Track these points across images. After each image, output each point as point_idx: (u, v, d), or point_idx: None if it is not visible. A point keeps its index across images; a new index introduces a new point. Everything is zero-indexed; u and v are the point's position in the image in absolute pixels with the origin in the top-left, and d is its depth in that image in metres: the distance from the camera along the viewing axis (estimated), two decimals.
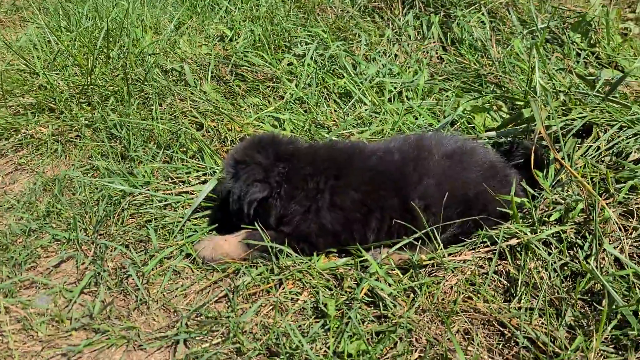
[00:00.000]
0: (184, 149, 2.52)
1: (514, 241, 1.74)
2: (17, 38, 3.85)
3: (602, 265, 1.62)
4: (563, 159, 1.97)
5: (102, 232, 2.05)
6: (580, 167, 1.95)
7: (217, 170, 2.31)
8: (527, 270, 1.67)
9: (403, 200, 1.81)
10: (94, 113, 2.84)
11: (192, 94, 3.03)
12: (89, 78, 3.00)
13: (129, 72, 3.07)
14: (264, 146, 1.94)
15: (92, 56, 3.18)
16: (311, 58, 3.24)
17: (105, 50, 3.33)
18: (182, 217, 2.08)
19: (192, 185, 2.27)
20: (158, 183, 2.27)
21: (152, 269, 1.87)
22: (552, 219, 1.77)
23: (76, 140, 2.71)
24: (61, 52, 3.38)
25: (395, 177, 1.85)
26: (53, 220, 2.13)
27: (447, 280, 1.71)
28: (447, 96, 2.83)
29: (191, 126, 2.69)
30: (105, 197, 2.16)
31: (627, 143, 2.07)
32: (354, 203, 1.84)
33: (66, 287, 1.83)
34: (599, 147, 2.10)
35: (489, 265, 1.72)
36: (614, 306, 1.48)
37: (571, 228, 1.74)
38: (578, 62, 3.11)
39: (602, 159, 2.09)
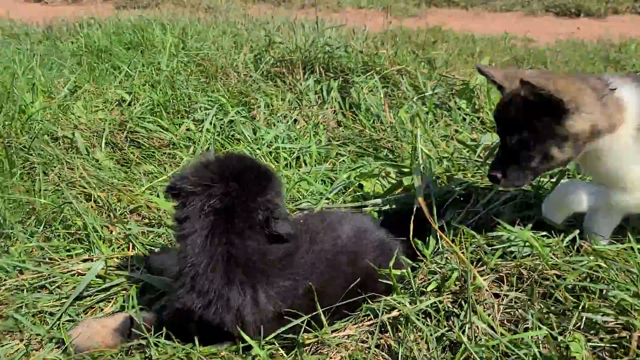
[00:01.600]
0: (68, 223, 2.39)
1: (395, 313, 1.76)
2: None
3: (476, 335, 1.67)
4: (442, 227, 2.05)
5: None
6: (458, 235, 2.03)
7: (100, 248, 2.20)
8: (407, 343, 1.69)
9: None
10: None
11: (85, 161, 2.92)
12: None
13: (12, 140, 2.91)
14: None
15: None
16: (210, 123, 3.25)
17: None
18: (58, 300, 1.95)
19: (73, 265, 2.13)
20: (35, 263, 2.11)
21: None
22: (429, 288, 1.82)
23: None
24: None
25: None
26: None
27: (331, 358, 1.70)
28: (342, 161, 2.90)
29: (79, 197, 2.57)
30: None
31: (503, 208, 2.20)
32: None
33: None
34: (477, 213, 2.21)
35: (372, 339, 1.73)
36: None
37: (447, 298, 1.79)
38: (464, 127, 3.33)
39: (482, 223, 2.20)
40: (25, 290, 1.99)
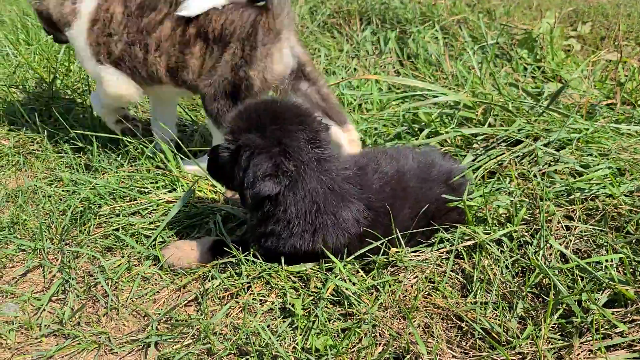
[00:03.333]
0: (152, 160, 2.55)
1: (469, 242, 1.86)
2: None
3: (549, 261, 1.76)
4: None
5: (68, 242, 2.06)
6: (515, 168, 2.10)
7: (182, 180, 2.35)
8: (482, 268, 1.79)
9: None
10: (56, 125, 2.83)
11: None
12: (50, 91, 2.99)
13: (90, 86, 3.08)
14: None
15: (55, 69, 3.18)
16: None
17: (66, 63, 3.33)
18: (151, 224, 2.12)
19: (158, 195, 2.29)
20: (124, 192, 2.28)
21: (121, 276, 1.89)
22: (500, 216, 1.91)
23: (38, 152, 2.70)
24: (21, 65, 3.36)
25: None
26: (18, 230, 2.12)
27: (407, 279, 1.81)
28: (404, 108, 2.96)
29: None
30: (71, 207, 2.16)
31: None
32: None
33: (34, 295, 1.83)
34: (534, 154, 2.26)
35: (447, 264, 1.83)
36: (559, 297, 1.61)
37: (520, 227, 1.87)
38: (525, 76, 3.32)
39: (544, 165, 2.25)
40: (120, 215, 2.16)
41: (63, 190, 2.37)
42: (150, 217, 2.16)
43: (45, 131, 2.77)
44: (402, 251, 1.86)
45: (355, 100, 3.11)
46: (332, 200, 1.77)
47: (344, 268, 1.79)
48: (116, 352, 1.64)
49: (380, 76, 3.00)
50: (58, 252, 1.99)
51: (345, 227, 1.79)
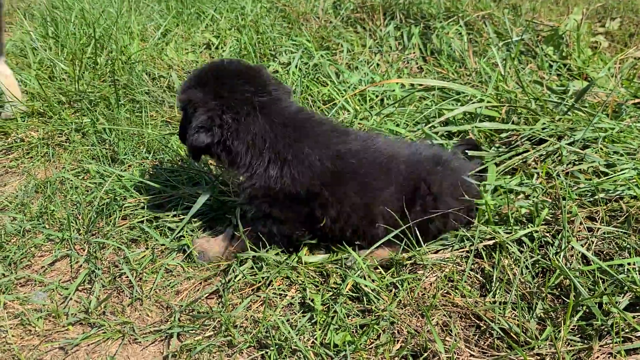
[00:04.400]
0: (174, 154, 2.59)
1: (490, 242, 1.86)
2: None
3: (570, 262, 1.75)
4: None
5: (95, 232, 2.11)
6: (543, 170, 2.08)
7: (205, 174, 2.39)
8: (501, 267, 1.78)
9: None
10: (83, 118, 2.89)
11: None
12: (77, 84, 3.05)
13: (117, 78, 3.13)
14: None
15: (81, 63, 3.24)
16: (296, 66, 3.35)
17: (93, 57, 3.39)
18: (175, 216, 2.16)
19: (181, 189, 2.33)
20: (148, 185, 2.33)
21: (145, 267, 1.93)
22: (522, 216, 1.90)
23: (66, 144, 2.76)
24: (49, 59, 3.43)
25: None
26: (46, 220, 2.18)
27: (426, 277, 1.82)
28: (426, 104, 2.95)
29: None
30: (98, 198, 2.21)
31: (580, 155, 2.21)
32: None
33: (62, 285, 1.89)
34: (558, 153, 2.24)
35: (466, 263, 1.84)
36: (580, 299, 1.61)
37: (542, 227, 1.86)
38: (551, 73, 3.28)
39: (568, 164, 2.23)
40: (145, 207, 2.21)
41: (90, 182, 2.42)
42: (174, 210, 2.20)
43: (73, 124, 2.83)
44: (422, 249, 1.87)
45: (377, 96, 3.10)
46: (288, 135, 1.84)
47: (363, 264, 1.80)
48: (140, 342, 1.68)
49: (402, 79, 2.98)
50: (85, 243, 2.05)
51: (309, 163, 1.82)
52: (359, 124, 2.75)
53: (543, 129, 2.37)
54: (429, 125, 2.46)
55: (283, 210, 1.87)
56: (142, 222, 2.14)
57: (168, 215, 2.16)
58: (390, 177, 1.88)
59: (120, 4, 4.40)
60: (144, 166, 2.49)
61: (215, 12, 4.11)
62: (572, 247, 1.76)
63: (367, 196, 1.85)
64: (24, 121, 2.91)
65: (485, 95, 2.53)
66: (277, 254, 1.93)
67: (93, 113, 2.89)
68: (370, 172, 1.86)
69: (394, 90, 3.13)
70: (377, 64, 3.53)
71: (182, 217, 2.14)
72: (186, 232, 2.09)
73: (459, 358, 1.57)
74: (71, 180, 2.41)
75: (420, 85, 3.24)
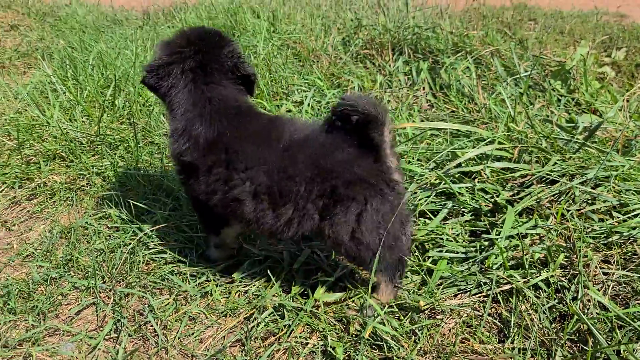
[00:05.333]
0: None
1: (506, 286, 1.89)
2: (24, 85, 4.00)
3: (587, 307, 1.78)
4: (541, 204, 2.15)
5: (119, 279, 2.17)
6: (558, 213, 2.12)
7: None
8: (519, 313, 1.82)
9: None
10: (104, 161, 2.97)
11: None
12: (97, 127, 3.15)
13: (135, 121, 3.22)
14: None
15: (102, 106, 3.34)
16: (308, 105, 3.42)
17: (111, 98, 3.49)
18: (196, 261, 2.21)
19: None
20: (169, 230, 2.39)
21: (169, 315, 1.98)
22: (536, 261, 1.93)
23: (87, 188, 2.84)
24: (69, 101, 3.53)
25: None
26: (71, 268, 2.24)
27: (445, 323, 1.86)
28: (438, 142, 3.00)
29: None
30: (121, 245, 2.27)
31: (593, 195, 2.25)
32: None
33: (89, 334, 1.94)
34: (570, 192, 2.28)
35: (484, 308, 1.87)
36: (598, 347, 1.63)
37: (557, 272, 1.90)
38: (559, 107, 3.33)
39: (581, 204, 2.26)
40: (167, 252, 2.27)
41: (111, 227, 2.49)
42: (195, 255, 2.26)
43: (94, 167, 2.91)
44: (437, 294, 1.90)
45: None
46: (200, 109, 1.96)
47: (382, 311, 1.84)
48: None
49: (416, 124, 3.04)
50: (110, 291, 2.10)
51: (195, 137, 1.92)
52: None
53: (554, 165, 2.42)
54: (444, 170, 2.50)
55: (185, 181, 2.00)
56: (164, 264, 2.19)
57: (190, 261, 2.22)
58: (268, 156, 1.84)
59: (135, 44, 4.54)
60: (164, 210, 2.56)
61: None
62: (589, 292, 1.80)
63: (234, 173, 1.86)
64: (46, 165, 2.99)
65: (496, 136, 2.59)
66: (294, 298, 1.97)
67: (113, 156, 2.97)
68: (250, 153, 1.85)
69: (404, 128, 3.20)
70: (388, 100, 3.61)
71: (201, 264, 2.19)
72: (207, 277, 2.14)
73: None
74: (94, 226, 2.48)
75: (432, 121, 3.31)
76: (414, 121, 3.28)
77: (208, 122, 1.92)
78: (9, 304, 2.04)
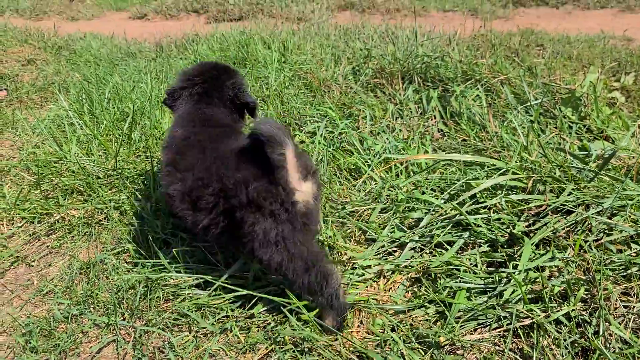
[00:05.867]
0: None
1: (527, 321, 1.89)
2: (41, 120, 4.08)
3: (609, 342, 1.77)
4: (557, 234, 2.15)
5: (139, 316, 2.18)
6: (576, 245, 2.12)
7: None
8: (541, 348, 1.81)
9: None
10: (121, 195, 3.02)
11: None
12: (114, 161, 3.20)
13: (152, 154, 3.27)
14: None
15: (119, 139, 3.40)
16: (321, 135, 3.46)
17: (128, 132, 3.55)
18: (215, 297, 2.23)
19: (216, 268, 2.41)
20: (188, 265, 2.41)
21: (190, 352, 1.99)
22: (556, 295, 1.93)
23: (105, 222, 2.87)
24: (86, 135, 3.60)
25: None
26: (91, 304, 2.26)
27: (465, 359, 1.85)
28: (452, 171, 3.02)
29: None
30: (140, 282, 2.30)
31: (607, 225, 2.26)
32: None
33: None
34: (587, 222, 2.28)
35: (504, 343, 1.86)
36: None
37: (578, 305, 1.89)
38: (570, 134, 3.35)
39: (597, 234, 2.26)
40: (186, 288, 2.28)
41: (130, 262, 2.51)
42: (215, 293, 2.27)
43: (111, 201, 2.95)
44: (457, 328, 1.90)
45: (402, 164, 3.19)
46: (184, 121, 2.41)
47: (403, 345, 1.84)
48: None
49: (429, 155, 3.08)
50: (130, 328, 2.12)
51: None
52: (387, 195, 2.82)
53: (569, 195, 2.43)
54: (458, 201, 2.51)
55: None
56: (183, 300, 2.20)
57: (209, 297, 2.23)
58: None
59: (149, 77, 4.63)
60: (182, 244, 2.58)
61: None
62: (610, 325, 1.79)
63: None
64: (65, 200, 3.04)
65: (510, 166, 2.60)
66: (311, 330, 1.98)
67: (130, 190, 3.01)
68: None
69: (418, 159, 3.22)
70: (400, 130, 3.64)
71: (222, 297, 2.20)
72: (226, 314, 2.15)
73: None
74: (112, 261, 2.50)
75: (444, 150, 3.33)
76: (426, 150, 3.31)
77: (185, 127, 2.33)
78: (31, 343, 2.06)
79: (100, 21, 8.39)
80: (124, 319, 2.17)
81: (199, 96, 2.47)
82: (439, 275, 2.29)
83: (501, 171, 2.61)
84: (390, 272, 2.38)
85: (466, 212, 2.47)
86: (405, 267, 2.37)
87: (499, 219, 2.47)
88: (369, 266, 2.40)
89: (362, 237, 2.59)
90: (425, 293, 2.25)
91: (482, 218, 2.45)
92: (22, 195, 3.06)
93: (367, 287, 2.31)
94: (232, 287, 2.17)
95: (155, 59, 5.50)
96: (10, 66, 5.59)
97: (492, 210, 2.49)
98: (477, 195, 2.64)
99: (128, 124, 3.53)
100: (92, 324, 2.17)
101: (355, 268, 2.38)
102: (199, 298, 2.23)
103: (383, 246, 2.51)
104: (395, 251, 2.51)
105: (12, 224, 2.94)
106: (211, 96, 2.48)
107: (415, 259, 2.41)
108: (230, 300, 2.21)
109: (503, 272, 2.13)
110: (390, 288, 2.34)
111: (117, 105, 3.92)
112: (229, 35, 5.74)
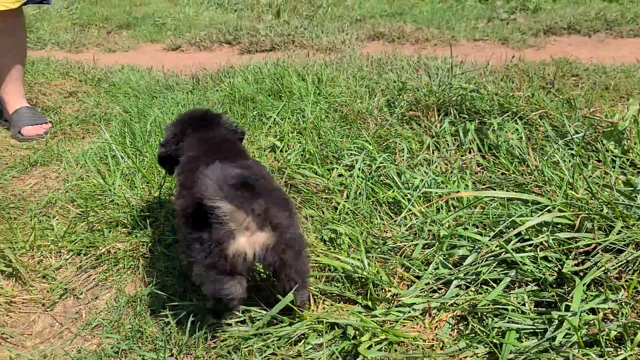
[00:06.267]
0: None
1: None
2: (84, 152, 4.20)
3: None
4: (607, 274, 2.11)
5: (187, 352, 2.20)
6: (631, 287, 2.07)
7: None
8: None
9: None
10: (165, 228, 3.07)
11: None
12: (158, 194, 3.27)
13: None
14: None
15: (160, 172, 3.47)
16: (359, 169, 3.48)
17: None
18: (261, 336, 2.24)
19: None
20: None
21: None
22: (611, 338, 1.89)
23: (150, 255, 2.92)
24: (128, 168, 3.69)
25: None
26: (139, 339, 2.29)
27: None
28: (494, 207, 3.00)
29: None
30: (189, 318, 2.32)
31: None
32: None
33: None
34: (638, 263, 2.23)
35: None
36: None
37: (635, 351, 1.85)
38: (614, 168, 3.30)
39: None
40: (231, 324, 2.30)
41: (176, 296, 2.55)
42: (260, 330, 2.28)
43: (155, 235, 3.01)
44: None
45: (440, 196, 3.18)
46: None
47: None
48: None
49: (472, 192, 3.07)
50: None
51: None
52: (428, 231, 2.82)
53: (619, 234, 2.38)
54: (504, 238, 2.49)
55: None
56: (229, 337, 2.22)
57: (257, 336, 2.24)
58: None
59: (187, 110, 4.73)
60: None
61: (277, 116, 4.36)
62: None
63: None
64: (110, 232, 3.11)
65: (556, 203, 2.58)
66: None
67: (174, 223, 3.06)
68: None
69: (458, 191, 3.21)
70: (437, 163, 3.64)
71: (268, 334, 2.21)
72: (272, 351, 2.16)
73: None
74: (158, 295, 2.54)
75: (484, 184, 3.32)
76: (466, 185, 3.30)
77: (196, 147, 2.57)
78: None
79: (136, 53, 8.65)
80: (171, 355, 2.19)
81: (202, 128, 2.69)
82: (485, 314, 2.26)
83: (547, 208, 2.58)
84: (436, 310, 2.36)
85: (512, 249, 2.45)
86: (451, 305, 2.35)
87: (545, 257, 2.44)
88: (414, 303, 2.39)
89: (405, 273, 2.57)
90: (472, 332, 2.22)
91: (528, 256, 2.43)
92: (69, 229, 3.14)
93: (413, 325, 2.29)
94: (278, 323, 2.18)
95: (192, 91, 5.64)
96: (53, 99, 5.79)
97: (538, 248, 2.46)
98: (522, 233, 2.61)
99: None
100: (141, 359, 2.20)
101: (401, 305, 2.37)
102: (246, 333, 2.24)
103: (427, 283, 2.50)
104: (440, 289, 2.50)
105: (60, 256, 3.01)
106: (212, 126, 2.73)
107: (460, 296, 2.39)
108: (277, 338, 2.22)
109: (555, 313, 2.09)
110: (436, 326, 2.31)
111: (160, 139, 4.01)
112: (263, 67, 5.86)
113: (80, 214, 3.30)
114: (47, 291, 2.75)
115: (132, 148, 4.01)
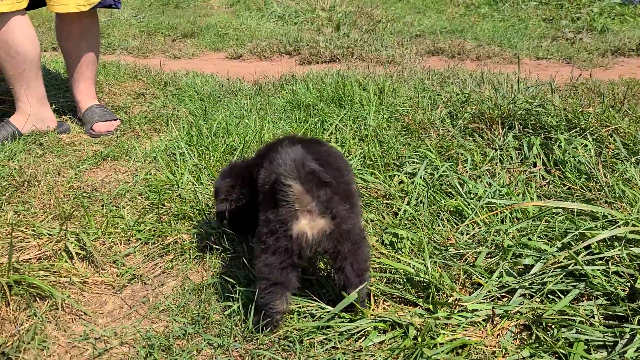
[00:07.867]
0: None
1: None
2: (154, 148, 4.39)
3: None
4: None
5: (250, 339, 2.26)
6: None
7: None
8: None
9: None
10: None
11: None
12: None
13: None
14: None
15: None
16: (421, 177, 3.48)
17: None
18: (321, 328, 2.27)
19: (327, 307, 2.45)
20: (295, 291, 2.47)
21: None
22: None
23: (215, 248, 3.01)
24: (195, 165, 3.83)
25: None
26: (204, 325, 2.37)
27: None
28: (560, 221, 2.93)
29: None
30: (251, 306, 2.38)
31: None
32: None
33: None
34: None
35: None
36: None
37: None
38: None
39: None
40: (294, 313, 2.34)
41: (240, 285, 2.62)
42: (323, 324, 2.31)
43: (220, 229, 3.10)
44: None
45: (505, 207, 3.14)
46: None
47: None
48: None
49: (539, 202, 3.02)
50: (242, 350, 2.19)
51: None
52: (492, 240, 2.78)
53: None
54: (573, 250, 2.44)
55: None
56: (290, 328, 2.26)
57: (318, 328, 2.27)
58: None
59: (254, 114, 4.88)
60: None
61: (339, 122, 4.42)
62: None
63: None
64: (177, 224, 3.23)
65: (630, 218, 2.50)
66: None
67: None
68: None
69: (523, 201, 3.16)
70: (501, 175, 3.60)
71: (329, 328, 2.24)
72: (333, 345, 2.18)
73: None
74: (223, 284, 2.62)
75: (549, 197, 3.25)
76: (531, 197, 3.24)
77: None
78: (152, 355, 2.18)
79: (199, 60, 8.95)
80: (235, 341, 2.25)
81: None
82: (550, 324, 2.22)
83: (620, 222, 2.51)
84: (499, 318, 2.32)
85: (582, 262, 2.39)
86: (515, 313, 2.31)
87: (616, 272, 2.37)
88: (477, 309, 2.36)
89: (468, 280, 2.55)
90: (537, 341, 2.18)
91: (599, 269, 2.36)
92: (139, 219, 3.28)
93: (475, 331, 2.27)
94: (341, 319, 2.21)
95: (254, 97, 5.79)
96: (123, 99, 6.06)
97: (610, 262, 2.39)
98: (592, 246, 2.55)
99: (237, 156, 3.72)
100: (207, 343, 2.27)
101: (463, 310, 2.35)
102: (309, 325, 2.28)
103: (490, 291, 2.47)
104: (503, 297, 2.46)
105: (129, 243, 3.14)
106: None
107: (524, 305, 2.35)
108: (338, 333, 2.24)
109: (627, 327, 2.03)
110: (499, 334, 2.28)
111: (225, 140, 4.15)
112: (325, 76, 5.96)
113: (149, 206, 3.44)
114: (117, 275, 2.88)
115: (199, 146, 4.15)
